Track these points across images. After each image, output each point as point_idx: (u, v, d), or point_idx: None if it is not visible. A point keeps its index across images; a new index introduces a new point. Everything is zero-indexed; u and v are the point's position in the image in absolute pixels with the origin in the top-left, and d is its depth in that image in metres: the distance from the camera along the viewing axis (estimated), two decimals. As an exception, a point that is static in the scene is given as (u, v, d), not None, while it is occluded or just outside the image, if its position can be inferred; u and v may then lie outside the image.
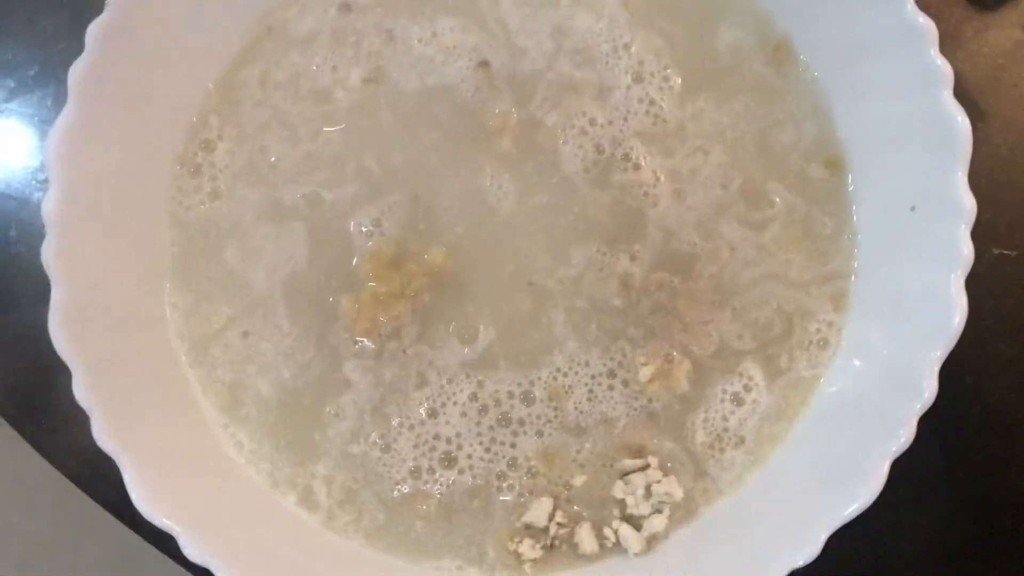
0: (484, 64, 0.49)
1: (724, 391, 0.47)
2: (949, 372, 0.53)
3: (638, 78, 0.49)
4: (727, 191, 0.49)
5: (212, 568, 0.40)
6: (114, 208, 0.46)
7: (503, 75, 0.49)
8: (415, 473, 0.47)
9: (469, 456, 0.46)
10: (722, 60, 0.50)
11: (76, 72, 0.44)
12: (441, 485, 0.46)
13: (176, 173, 0.49)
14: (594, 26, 0.50)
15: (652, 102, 0.49)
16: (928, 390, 0.41)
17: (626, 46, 0.49)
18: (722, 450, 0.47)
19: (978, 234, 0.55)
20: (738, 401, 0.47)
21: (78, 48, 0.44)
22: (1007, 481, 0.55)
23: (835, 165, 0.49)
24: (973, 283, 0.55)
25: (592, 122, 0.49)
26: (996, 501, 0.55)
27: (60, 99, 0.58)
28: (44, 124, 0.59)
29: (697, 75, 0.50)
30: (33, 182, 0.59)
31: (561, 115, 0.49)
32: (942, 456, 0.55)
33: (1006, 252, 0.56)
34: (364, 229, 0.48)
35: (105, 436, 0.41)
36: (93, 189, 0.44)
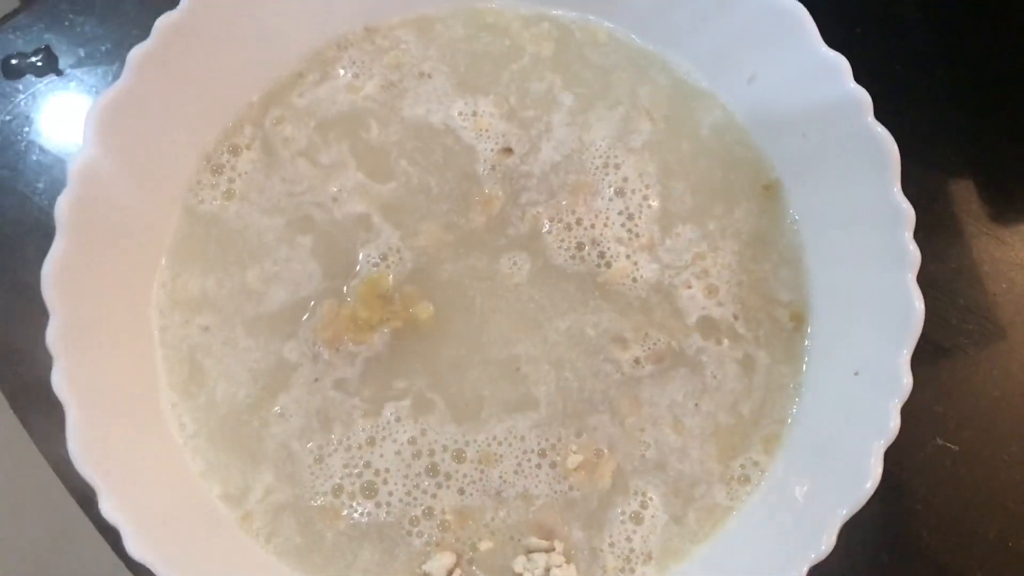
0: (508, 150, 0.53)
1: (637, 498, 0.49)
2: (868, 545, 0.56)
3: (620, 192, 0.53)
4: (689, 320, 0.52)
5: (121, 530, 0.42)
6: (135, 182, 0.49)
7: (519, 168, 0.53)
8: (337, 491, 0.49)
9: (390, 493, 0.48)
10: (713, 183, 0.54)
11: (136, 53, 0.48)
12: (357, 511, 0.48)
13: (200, 167, 0.53)
14: (601, 142, 0.54)
15: (631, 216, 0.53)
16: (825, 543, 0.43)
17: (618, 165, 0.54)
18: (625, 557, 0.48)
19: (926, 422, 0.58)
20: (638, 520, 0.49)
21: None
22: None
23: (799, 319, 0.52)
24: (911, 468, 0.58)
25: (579, 221, 0.52)
26: None
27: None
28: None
29: (681, 200, 0.54)
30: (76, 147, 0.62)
31: (551, 209, 0.53)
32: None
33: (949, 445, 0.58)
34: (371, 259, 0.51)
35: (62, 382, 0.43)
36: (122, 157, 0.48)
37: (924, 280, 0.46)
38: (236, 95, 0.54)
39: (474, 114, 0.54)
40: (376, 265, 0.51)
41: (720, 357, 0.51)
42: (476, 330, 0.51)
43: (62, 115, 0.62)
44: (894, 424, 0.44)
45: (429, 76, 0.55)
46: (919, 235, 0.46)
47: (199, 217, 0.52)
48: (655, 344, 0.51)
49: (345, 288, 0.51)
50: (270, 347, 0.51)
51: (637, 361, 0.51)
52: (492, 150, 0.53)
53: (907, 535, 0.57)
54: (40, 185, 0.61)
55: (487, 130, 0.54)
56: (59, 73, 0.64)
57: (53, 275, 0.44)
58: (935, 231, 0.62)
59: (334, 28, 0.55)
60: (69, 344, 0.44)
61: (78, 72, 0.64)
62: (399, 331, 0.50)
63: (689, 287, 0.52)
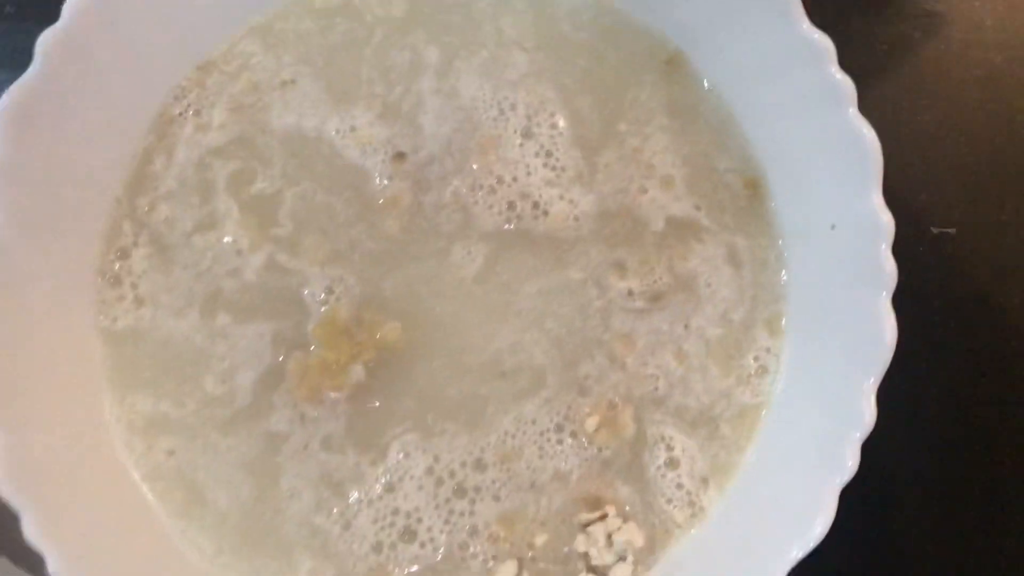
0: (400, 155, 0.49)
1: (670, 428, 0.47)
2: (903, 356, 0.54)
3: (527, 133, 0.49)
4: (650, 226, 0.48)
5: None
6: (41, 342, 0.45)
7: (416, 161, 0.49)
8: (377, 548, 0.47)
9: (429, 529, 0.47)
10: (612, 80, 0.50)
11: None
12: (404, 561, 0.46)
13: (97, 284, 0.49)
14: (478, 93, 0.50)
15: (549, 153, 0.49)
16: (867, 414, 0.41)
17: (512, 106, 0.49)
18: (677, 493, 0.47)
19: (916, 215, 0.56)
20: (672, 461, 0.47)
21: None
22: (965, 459, 0.55)
23: (754, 185, 0.48)
24: (915, 263, 0.55)
25: (499, 180, 0.48)
26: (957, 481, 0.55)
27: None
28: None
29: (584, 109, 0.49)
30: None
31: (468, 179, 0.49)
32: (903, 436, 0.55)
33: (945, 230, 0.56)
34: (317, 298, 0.48)
35: (61, 568, 0.41)
36: (15, 328, 0.44)
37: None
38: (99, 196, 0.49)
39: (352, 129, 0.49)
40: (324, 303, 0.48)
41: (706, 259, 0.48)
42: (449, 334, 0.48)
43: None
44: (890, 269, 0.42)
45: (293, 82, 0.50)
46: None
47: (120, 337, 0.48)
48: (646, 276, 0.48)
49: (305, 335, 0.48)
50: (253, 432, 0.48)
51: (630, 293, 0.48)
52: (383, 161, 0.49)
53: (935, 336, 0.55)
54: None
55: (370, 143, 0.49)
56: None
57: (5, 474, 0.41)
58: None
59: (164, 84, 0.50)
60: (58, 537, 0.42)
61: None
62: (374, 362, 0.47)
63: (645, 191, 0.49)
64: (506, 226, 0.48)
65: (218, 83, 0.50)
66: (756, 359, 0.48)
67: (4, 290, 0.44)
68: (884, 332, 0.41)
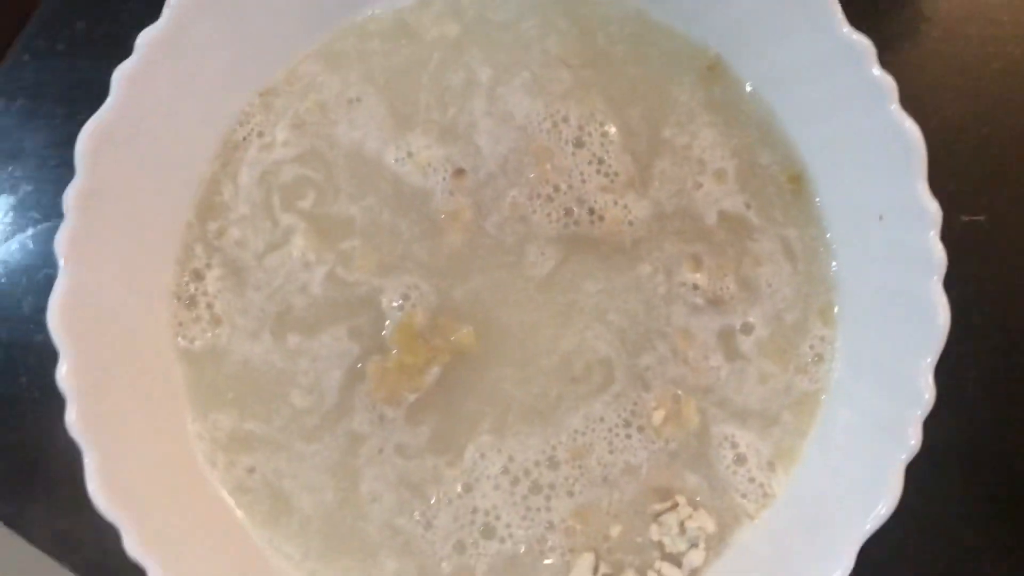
0: (460, 171, 0.51)
1: (732, 425, 0.50)
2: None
3: (579, 143, 0.51)
4: (699, 228, 0.51)
5: None
6: (125, 360, 0.47)
7: (475, 178, 0.51)
8: (459, 547, 0.49)
9: (508, 525, 0.48)
10: (656, 89, 0.52)
11: (61, 240, 0.45)
12: (486, 556, 0.48)
13: (175, 308, 0.51)
14: (531, 107, 0.52)
15: (601, 160, 0.51)
16: (927, 393, 0.43)
17: (564, 118, 0.51)
18: (742, 473, 0.49)
19: (945, 203, 0.57)
20: (748, 425, 0.49)
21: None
22: (1008, 442, 0.57)
23: (799, 182, 0.51)
24: (948, 251, 0.57)
25: (556, 188, 0.51)
26: (999, 463, 0.57)
27: (40, 239, 0.60)
28: (30, 269, 0.60)
29: (633, 117, 0.52)
30: (31, 325, 0.60)
31: (525, 189, 0.51)
32: (944, 417, 0.57)
33: (976, 218, 0.59)
34: (394, 304, 0.50)
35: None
36: (101, 348, 0.46)
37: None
38: (172, 221, 0.51)
39: (409, 155, 0.52)
40: (400, 309, 0.50)
41: (766, 259, 0.51)
42: (519, 338, 0.50)
43: (5, 303, 0.60)
44: (939, 255, 0.44)
45: (359, 100, 0.53)
46: None
47: (199, 357, 0.50)
48: (716, 278, 0.50)
49: (382, 340, 0.50)
50: (336, 435, 0.49)
51: (696, 287, 0.50)
52: (444, 179, 0.51)
53: (971, 321, 0.57)
54: (23, 380, 0.59)
55: (430, 164, 0.51)
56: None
57: (98, 488, 0.43)
58: None
59: (229, 111, 0.52)
60: (149, 534, 0.43)
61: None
62: (449, 365, 0.49)
63: (700, 186, 0.51)
64: (565, 231, 0.50)
65: (284, 104, 0.52)
66: (812, 347, 0.50)
67: (89, 313, 0.45)
68: (937, 314, 0.43)
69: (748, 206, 0.51)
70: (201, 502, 0.49)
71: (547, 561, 0.48)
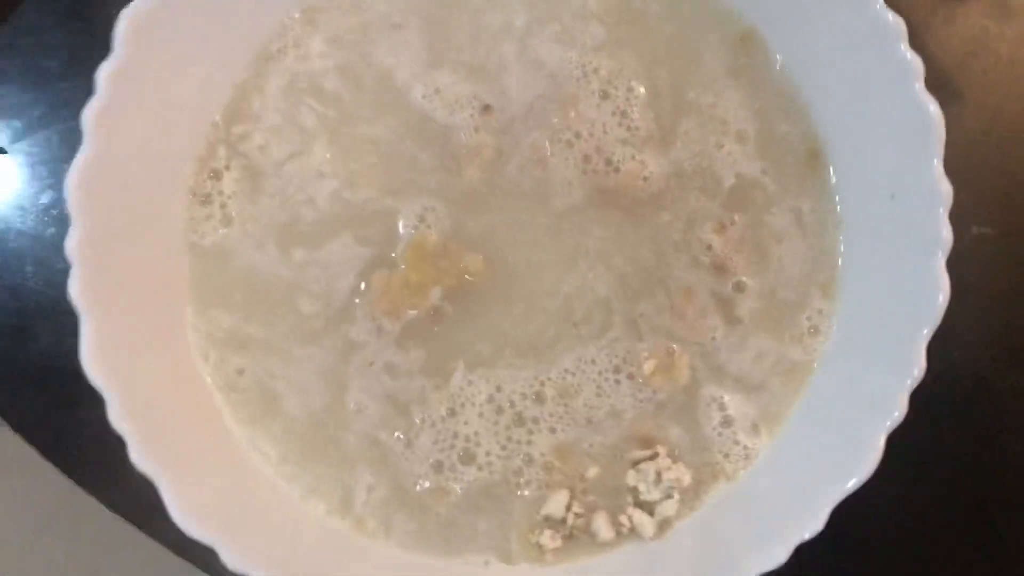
0: (487, 108, 0.52)
1: (722, 387, 0.50)
2: (938, 349, 0.56)
3: (604, 94, 0.52)
4: (716, 189, 0.51)
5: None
6: (134, 241, 0.48)
7: (501, 117, 0.52)
8: (437, 468, 0.49)
9: (487, 453, 0.49)
10: (688, 53, 0.53)
11: (88, 114, 0.46)
12: (462, 481, 0.49)
13: (188, 203, 0.51)
14: (564, 55, 0.53)
15: (624, 114, 0.52)
16: (917, 366, 0.43)
17: (595, 69, 0.52)
18: (726, 434, 0.49)
19: (956, 215, 0.58)
20: (736, 388, 0.50)
21: (82, 87, 0.46)
22: (1000, 449, 0.58)
23: (815, 156, 0.51)
24: (955, 262, 0.57)
25: (577, 135, 0.52)
26: (991, 469, 0.58)
27: (67, 137, 0.61)
28: (53, 162, 0.61)
29: (661, 78, 0.53)
30: (45, 218, 0.60)
31: (547, 131, 0.52)
32: (936, 431, 0.57)
33: (984, 230, 0.59)
34: (409, 223, 0.51)
35: (142, 458, 0.43)
36: (112, 224, 0.46)
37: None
38: (198, 120, 0.52)
39: (437, 92, 0.52)
40: (415, 227, 0.51)
41: (779, 231, 0.51)
42: (526, 274, 0.51)
43: (24, 193, 0.60)
44: (947, 234, 0.44)
45: (401, 27, 0.53)
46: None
47: (208, 253, 0.51)
48: (732, 246, 0.51)
49: (393, 255, 0.51)
50: (335, 338, 0.50)
51: (710, 248, 0.51)
52: (472, 115, 0.52)
53: (972, 329, 0.58)
54: (29, 268, 0.60)
55: (457, 101, 0.52)
56: (3, 152, 0.61)
57: (90, 357, 0.44)
58: None
59: (272, 19, 0.53)
60: (136, 422, 0.44)
61: (21, 146, 0.62)
62: (453, 290, 0.50)
63: (721, 146, 0.52)
64: (582, 178, 0.51)
65: (327, 21, 0.53)
66: (809, 319, 0.50)
67: (107, 187, 0.46)
68: (938, 290, 0.44)
69: (765, 172, 0.51)
70: (188, 392, 0.49)
71: (522, 493, 0.49)
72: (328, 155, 0.52)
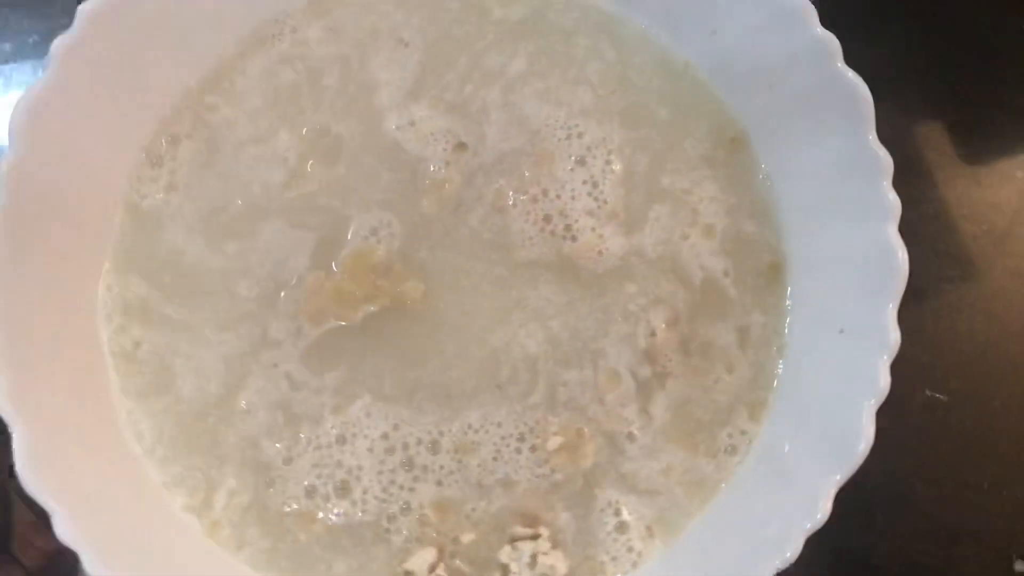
0: (462, 145, 0.51)
1: (627, 475, 0.47)
2: (859, 506, 0.54)
3: (581, 161, 0.51)
4: (686, 282, 0.50)
5: (80, 554, 0.39)
6: (70, 181, 0.46)
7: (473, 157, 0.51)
8: (309, 492, 0.46)
9: (365, 491, 0.46)
10: (675, 143, 0.52)
11: (59, 45, 0.44)
12: (332, 513, 0.46)
13: (138, 161, 0.50)
14: (552, 112, 0.51)
15: (595, 184, 0.50)
16: (822, 511, 0.41)
17: (580, 134, 0.51)
18: (620, 540, 0.47)
19: (913, 373, 0.56)
20: (637, 492, 0.47)
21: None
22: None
23: (777, 271, 0.50)
24: (901, 421, 0.56)
25: (544, 192, 0.50)
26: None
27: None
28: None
29: (641, 159, 0.51)
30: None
31: (514, 181, 0.50)
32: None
33: (938, 396, 0.57)
34: (361, 233, 0.49)
35: (6, 398, 0.41)
36: (53, 155, 0.45)
37: (900, 227, 0.44)
38: (172, 82, 0.51)
39: (412, 124, 0.51)
40: (365, 238, 0.49)
41: (721, 342, 0.50)
42: (462, 318, 0.49)
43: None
44: (884, 382, 0.42)
45: (407, 45, 0.52)
46: (893, 180, 0.45)
47: (143, 215, 0.49)
48: (668, 352, 0.49)
49: (333, 261, 0.49)
50: (250, 329, 0.48)
51: (649, 348, 0.49)
52: (444, 149, 0.51)
53: (900, 490, 0.55)
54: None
55: (432, 134, 0.51)
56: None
57: None
58: (908, 175, 0.59)
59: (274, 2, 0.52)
60: (11, 358, 0.42)
61: (6, 68, 0.61)
62: (384, 312, 0.48)
63: (686, 237, 0.50)
64: (539, 236, 0.49)
65: (335, 12, 0.52)
66: (729, 436, 0.48)
67: (58, 118, 0.45)
68: (860, 438, 0.42)
69: (727, 274, 0.50)
70: (80, 349, 0.47)
71: (390, 540, 0.46)
72: (294, 147, 0.50)
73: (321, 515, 0.46)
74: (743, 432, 0.48)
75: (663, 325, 0.49)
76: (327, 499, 0.46)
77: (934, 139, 0.62)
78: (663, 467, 0.47)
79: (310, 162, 0.50)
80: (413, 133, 0.51)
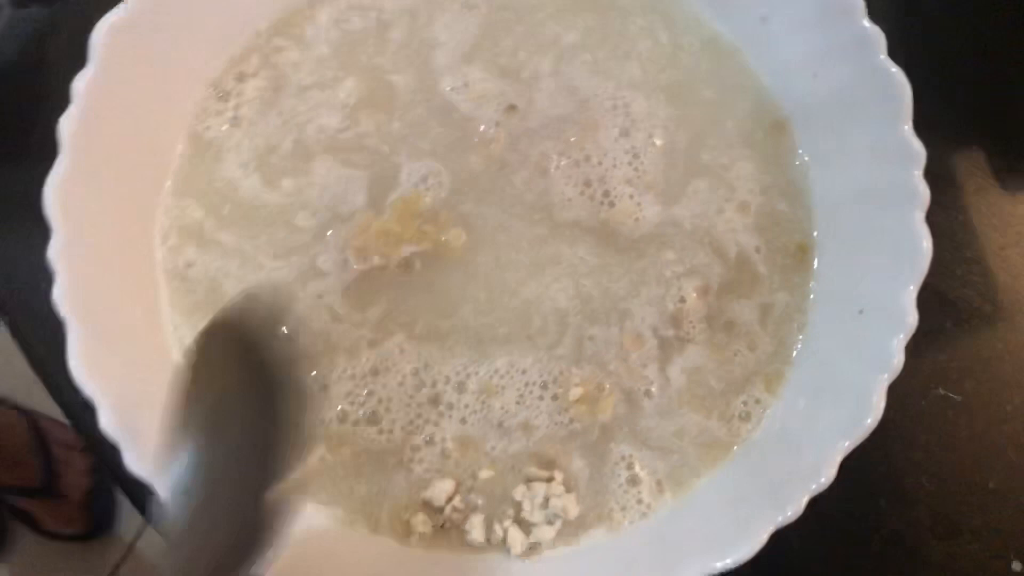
0: (512, 108, 0.53)
1: (642, 431, 0.49)
2: (867, 489, 0.56)
3: (625, 132, 0.53)
4: (722, 255, 0.52)
5: (121, 446, 0.42)
6: (140, 105, 0.49)
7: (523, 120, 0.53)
8: (341, 417, 0.48)
9: (393, 421, 0.48)
10: (718, 122, 0.54)
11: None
12: (359, 437, 0.48)
13: (205, 95, 0.52)
14: (603, 83, 0.54)
15: (636, 155, 0.53)
16: (825, 475, 0.43)
17: (627, 105, 0.53)
18: (631, 492, 0.48)
19: (927, 372, 0.58)
20: (650, 446, 0.49)
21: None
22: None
23: (804, 252, 0.51)
24: (913, 417, 0.58)
25: (587, 158, 0.52)
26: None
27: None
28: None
29: (682, 135, 0.54)
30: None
31: (560, 145, 0.53)
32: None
33: (951, 395, 0.58)
34: (412, 178, 0.52)
35: (64, 298, 0.43)
36: (127, 79, 0.47)
37: (930, 229, 0.46)
38: (245, 22, 0.53)
39: (466, 85, 0.54)
40: (415, 185, 0.51)
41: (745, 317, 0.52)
42: (499, 269, 0.51)
43: (74, 42, 0.62)
44: (898, 360, 0.44)
45: (475, 8, 0.55)
46: (928, 183, 0.46)
47: (205, 144, 0.52)
48: (700, 321, 0.51)
49: (385, 203, 0.51)
50: (302, 259, 0.51)
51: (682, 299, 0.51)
52: (496, 110, 0.53)
53: (906, 483, 0.57)
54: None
55: (484, 96, 0.53)
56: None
57: (55, 194, 0.44)
58: (944, 181, 0.62)
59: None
60: (71, 262, 0.44)
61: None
62: (426, 255, 0.50)
63: (722, 211, 0.52)
64: (579, 198, 0.51)
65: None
66: (744, 404, 0.50)
67: (136, 44, 0.48)
68: (868, 411, 0.43)
69: (758, 251, 0.52)
70: (137, 262, 0.50)
71: (411, 469, 0.48)
72: (354, 94, 0.53)
73: (348, 437, 0.48)
74: (758, 401, 0.50)
75: (694, 294, 0.51)
76: (356, 424, 0.48)
77: (973, 149, 0.63)
78: (677, 428, 0.49)
79: (367, 110, 0.53)
80: (467, 94, 0.53)
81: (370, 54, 0.54)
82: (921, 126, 0.47)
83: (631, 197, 0.52)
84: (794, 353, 0.50)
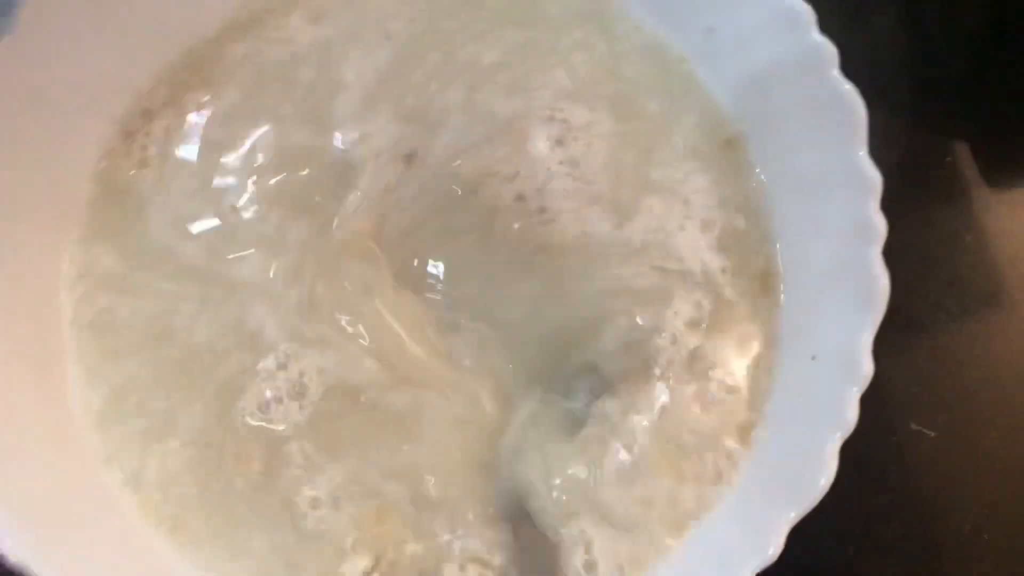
0: (411, 156, 0.48)
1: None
2: (834, 536, 0.52)
3: (559, 142, 0.48)
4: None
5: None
6: (35, 149, 0.45)
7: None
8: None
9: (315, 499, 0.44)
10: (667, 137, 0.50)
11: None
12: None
13: (110, 132, 0.49)
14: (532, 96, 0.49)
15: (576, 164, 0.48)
16: (773, 547, 0.39)
17: (565, 119, 0.49)
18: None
19: (901, 404, 0.54)
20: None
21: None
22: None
23: (768, 279, 0.48)
24: (884, 454, 0.54)
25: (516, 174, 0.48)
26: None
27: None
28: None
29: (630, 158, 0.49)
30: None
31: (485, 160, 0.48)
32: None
33: (924, 431, 0.54)
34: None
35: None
36: (21, 112, 0.44)
37: (901, 249, 0.42)
38: (152, 55, 0.50)
39: (360, 139, 0.49)
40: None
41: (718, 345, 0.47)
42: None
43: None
44: (851, 415, 0.40)
45: (389, 39, 0.51)
46: (900, 201, 0.43)
47: (115, 190, 0.48)
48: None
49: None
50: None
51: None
52: (390, 160, 0.49)
53: (877, 527, 0.53)
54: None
55: (379, 151, 0.49)
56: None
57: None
58: (914, 198, 0.58)
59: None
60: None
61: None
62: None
63: (682, 228, 0.47)
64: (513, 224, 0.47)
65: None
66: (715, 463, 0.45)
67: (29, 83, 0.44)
68: (822, 470, 0.39)
69: (724, 271, 0.48)
70: (40, 312, 0.46)
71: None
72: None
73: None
74: (728, 456, 0.45)
75: (687, 328, 0.46)
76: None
77: (946, 163, 0.60)
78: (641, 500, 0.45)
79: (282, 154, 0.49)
80: (362, 148, 0.49)
81: (281, 92, 0.50)
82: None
83: (574, 211, 0.47)
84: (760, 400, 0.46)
